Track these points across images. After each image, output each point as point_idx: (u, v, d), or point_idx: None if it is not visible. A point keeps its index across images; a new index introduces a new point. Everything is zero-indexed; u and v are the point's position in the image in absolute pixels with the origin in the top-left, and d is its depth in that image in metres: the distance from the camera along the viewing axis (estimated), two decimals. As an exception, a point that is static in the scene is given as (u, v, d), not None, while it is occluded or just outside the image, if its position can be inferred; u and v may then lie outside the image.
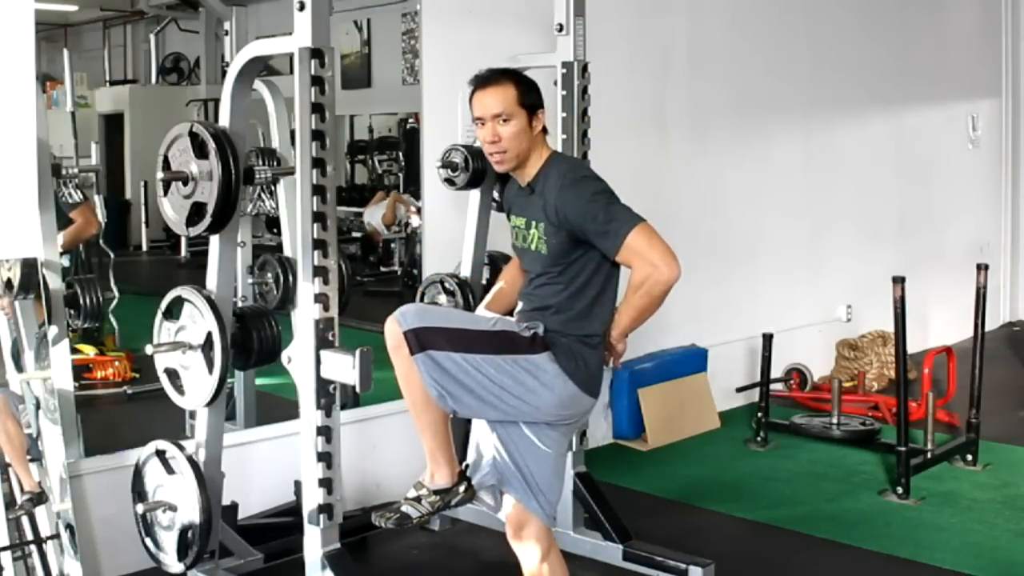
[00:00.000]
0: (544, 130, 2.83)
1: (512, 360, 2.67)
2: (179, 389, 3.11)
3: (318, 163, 2.80)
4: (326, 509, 2.88)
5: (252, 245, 4.27)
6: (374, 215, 5.96)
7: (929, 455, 4.79)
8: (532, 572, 2.82)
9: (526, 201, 2.83)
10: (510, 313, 2.94)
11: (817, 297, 6.54)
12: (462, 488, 2.81)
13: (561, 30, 3.72)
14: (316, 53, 2.78)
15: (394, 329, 2.65)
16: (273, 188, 4.01)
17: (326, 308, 2.84)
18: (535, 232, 2.77)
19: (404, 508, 2.79)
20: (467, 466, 2.87)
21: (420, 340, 2.62)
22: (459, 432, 4.09)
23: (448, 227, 4.22)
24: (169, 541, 3.11)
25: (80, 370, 4.13)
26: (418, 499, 2.79)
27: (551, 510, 2.79)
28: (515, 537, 2.82)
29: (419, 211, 4.69)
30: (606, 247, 2.64)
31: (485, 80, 2.81)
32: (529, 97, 2.78)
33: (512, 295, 3.01)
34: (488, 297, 3.17)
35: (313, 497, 2.89)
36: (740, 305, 5.97)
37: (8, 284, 3.30)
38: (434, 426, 2.74)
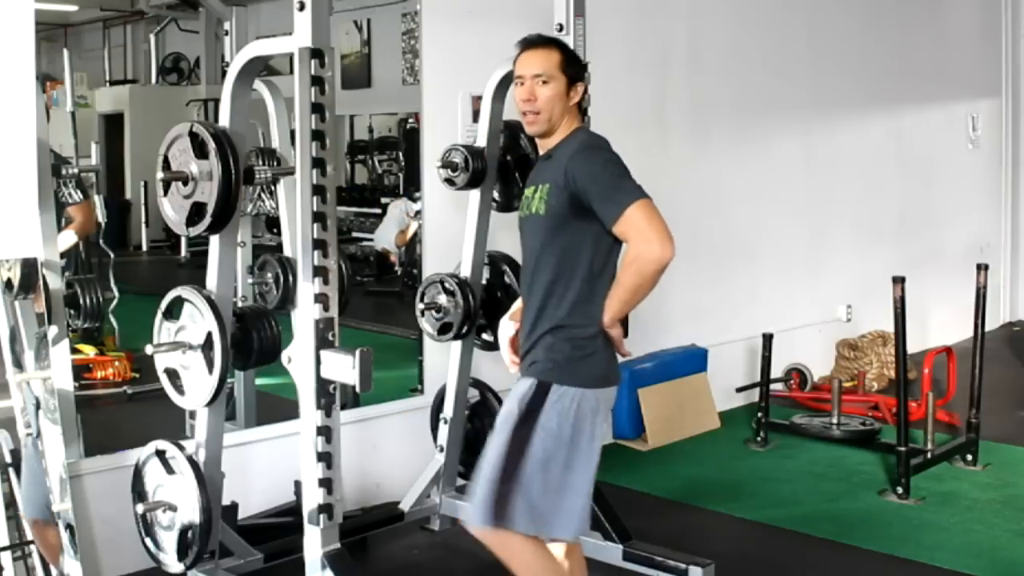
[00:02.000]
0: (581, 109, 2.83)
1: (541, 429, 2.64)
2: (179, 389, 3.11)
3: (318, 163, 2.80)
4: (326, 509, 2.88)
5: (252, 245, 4.27)
6: (386, 234, 5.97)
7: (929, 455, 4.79)
8: None
9: (541, 168, 2.80)
10: None
11: (817, 297, 6.54)
12: None
13: (561, 30, 3.72)
14: (316, 53, 2.78)
15: (478, 533, 2.69)
16: (273, 188, 4.01)
17: (326, 308, 2.84)
18: (539, 194, 2.72)
19: None
20: None
21: (498, 513, 2.63)
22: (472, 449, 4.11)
23: (448, 227, 4.22)
24: (169, 541, 3.11)
25: (80, 370, 4.13)
26: None
27: (585, 521, 2.79)
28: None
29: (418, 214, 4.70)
30: (606, 214, 2.59)
31: (533, 43, 2.82)
32: (572, 67, 2.78)
33: None
34: (512, 308, 3.10)
35: (313, 497, 2.89)
36: (740, 305, 5.97)
37: (8, 284, 3.30)
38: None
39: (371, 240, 6.04)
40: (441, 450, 4.01)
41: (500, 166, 3.91)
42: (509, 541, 2.67)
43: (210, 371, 2.99)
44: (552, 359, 2.68)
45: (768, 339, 5.29)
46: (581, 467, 2.68)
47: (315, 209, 2.81)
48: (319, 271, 2.83)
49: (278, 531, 3.68)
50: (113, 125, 5.06)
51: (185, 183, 2.96)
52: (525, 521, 2.64)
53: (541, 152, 2.84)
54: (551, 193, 2.68)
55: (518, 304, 3.06)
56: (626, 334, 3.62)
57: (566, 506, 2.68)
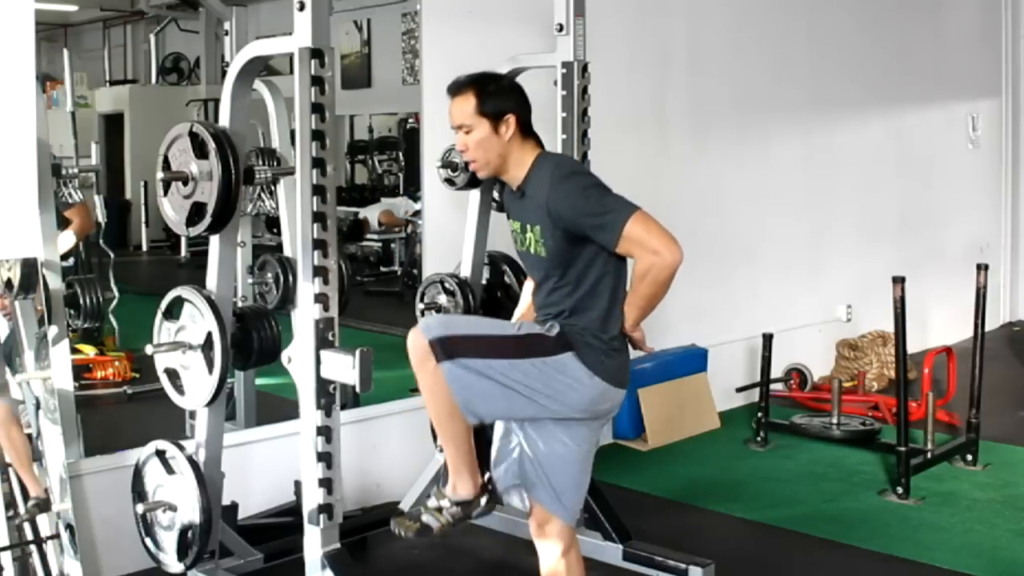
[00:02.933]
0: (525, 133, 2.79)
1: (541, 362, 2.65)
2: (179, 389, 3.11)
3: (318, 163, 2.80)
4: (326, 509, 2.88)
5: (252, 245, 4.28)
6: (373, 211, 6.01)
7: (929, 455, 4.79)
8: (550, 568, 2.83)
9: (520, 205, 2.82)
10: None
11: (817, 297, 6.54)
12: (483, 500, 2.80)
13: (561, 30, 3.71)
14: (316, 53, 2.77)
15: (418, 340, 2.62)
16: (273, 188, 4.01)
17: (326, 308, 2.84)
18: (531, 236, 2.75)
19: (425, 518, 2.78)
20: (489, 478, 2.85)
21: (446, 348, 2.60)
22: (478, 441, 4.11)
23: (448, 227, 4.22)
24: (169, 541, 3.11)
25: (80, 370, 4.14)
26: (439, 509, 2.78)
27: (575, 511, 2.81)
28: (538, 534, 2.83)
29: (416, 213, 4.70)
30: (605, 240, 2.61)
31: (452, 91, 2.83)
32: (490, 104, 2.75)
33: None
34: (517, 313, 3.14)
35: (313, 497, 2.89)
36: (740, 305, 5.97)
37: (8, 284, 3.30)
38: (458, 438, 2.72)
39: (371, 240, 6.05)
40: (441, 450, 4.00)
41: (500, 166, 3.90)
42: (436, 382, 2.63)
43: (210, 371, 2.99)
44: (581, 340, 2.70)
45: (768, 339, 5.29)
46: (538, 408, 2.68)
47: (315, 209, 2.81)
48: (319, 271, 2.83)
49: (278, 531, 3.68)
50: (113, 125, 5.06)
51: (185, 183, 2.96)
52: (460, 376, 2.60)
53: (511, 185, 2.84)
54: (544, 235, 2.70)
55: (522, 308, 3.06)
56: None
57: (499, 405, 2.67)
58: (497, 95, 2.78)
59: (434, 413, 2.70)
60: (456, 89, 2.81)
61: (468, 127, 2.76)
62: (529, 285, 3.06)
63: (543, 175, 2.72)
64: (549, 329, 2.72)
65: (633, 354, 2.85)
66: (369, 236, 6.07)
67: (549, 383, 2.66)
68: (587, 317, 2.71)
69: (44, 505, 3.29)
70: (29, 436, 3.34)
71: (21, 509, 3.33)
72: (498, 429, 2.86)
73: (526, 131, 2.79)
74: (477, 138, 2.75)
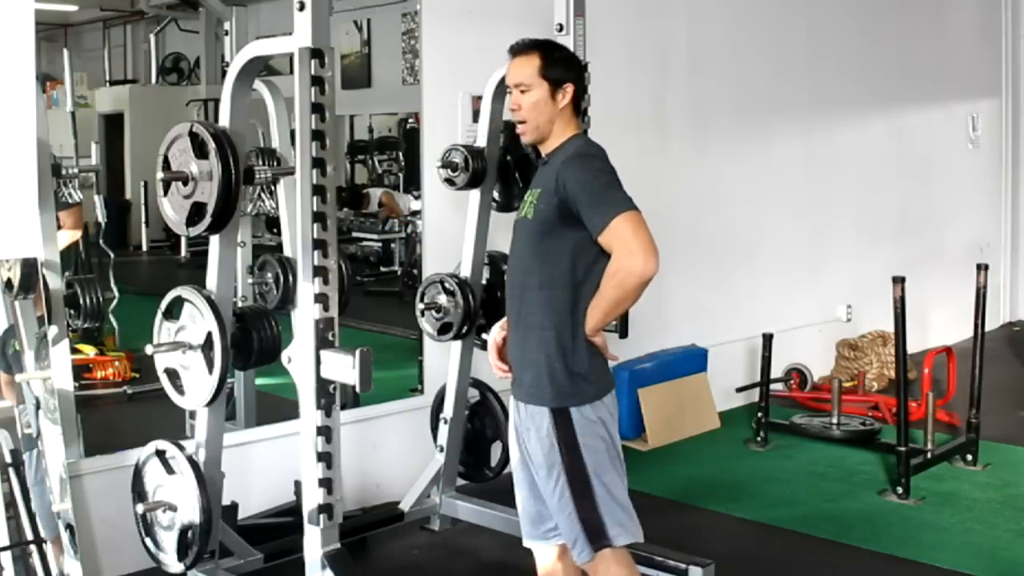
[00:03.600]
0: (576, 109, 2.77)
1: (593, 456, 2.66)
2: (179, 389, 3.11)
3: (318, 163, 2.80)
4: (326, 509, 2.88)
5: (252, 245, 4.27)
6: (374, 190, 6.02)
7: (929, 455, 4.79)
8: (546, 569, 2.83)
9: (540, 172, 2.78)
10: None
11: (817, 297, 6.54)
12: None
13: (561, 30, 3.72)
14: (316, 53, 2.78)
15: (589, 566, 2.68)
16: (273, 188, 4.01)
17: (326, 308, 2.84)
18: (531, 199, 2.72)
19: None
20: None
21: (593, 540, 2.64)
22: (479, 446, 4.10)
23: (448, 227, 4.22)
24: (169, 541, 3.11)
25: (80, 370, 4.13)
26: None
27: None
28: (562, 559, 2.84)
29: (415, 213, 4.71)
30: (592, 222, 2.57)
31: (515, 50, 2.78)
32: (554, 70, 2.73)
33: None
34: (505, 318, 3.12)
35: (313, 497, 2.89)
36: (740, 305, 5.97)
37: (8, 284, 3.30)
38: None
39: (372, 240, 6.05)
40: (441, 450, 4.01)
41: (500, 166, 3.91)
42: (615, 565, 2.68)
43: (210, 371, 2.99)
44: (555, 387, 2.66)
45: (768, 339, 5.29)
46: (622, 468, 2.73)
47: (315, 209, 2.81)
48: (319, 271, 2.83)
49: (278, 531, 3.68)
50: (113, 125, 5.06)
51: (185, 183, 2.96)
52: (621, 530, 2.66)
53: (542, 155, 2.82)
54: (541, 198, 2.67)
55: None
56: (625, 334, 3.64)
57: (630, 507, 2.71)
58: (561, 63, 2.76)
59: None
60: (521, 49, 2.77)
61: (527, 87, 2.71)
62: None
63: (570, 149, 2.71)
64: (533, 414, 2.68)
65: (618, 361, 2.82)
66: (368, 236, 6.07)
67: (597, 441, 2.66)
68: (552, 315, 2.64)
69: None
70: (29, 435, 3.34)
71: (21, 509, 3.33)
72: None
73: (576, 107, 2.78)
74: (533, 100, 2.71)
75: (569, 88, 2.73)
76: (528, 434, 2.71)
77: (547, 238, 2.66)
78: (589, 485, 2.64)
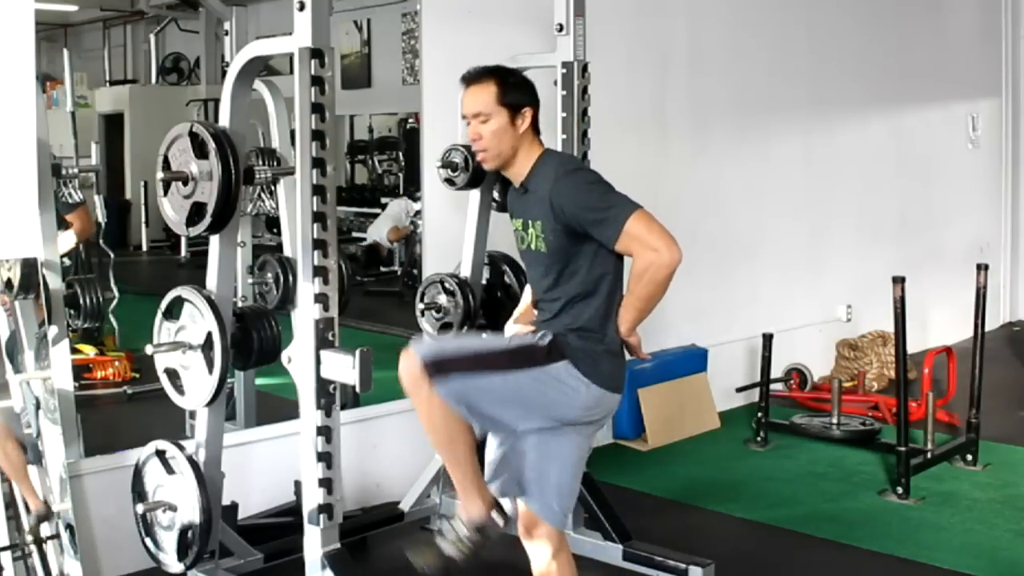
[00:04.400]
0: (535, 129, 2.79)
1: (536, 373, 2.65)
2: (179, 389, 3.11)
3: (318, 163, 2.80)
4: (326, 509, 2.88)
5: (252, 245, 4.27)
6: (380, 229, 5.98)
7: (929, 455, 4.79)
8: (541, 570, 2.82)
9: (522, 202, 2.81)
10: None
11: (817, 297, 6.54)
12: (497, 517, 2.76)
13: (561, 30, 3.72)
14: (316, 53, 2.77)
15: (410, 364, 2.60)
16: (273, 188, 4.01)
17: (326, 308, 2.84)
18: (532, 231, 2.74)
19: (449, 551, 2.76)
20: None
21: (440, 368, 2.59)
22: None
23: (448, 227, 4.22)
24: (169, 541, 3.11)
25: (80, 370, 4.14)
26: (459, 539, 2.75)
27: (565, 516, 2.80)
28: (526, 536, 2.83)
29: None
30: (605, 236, 2.60)
31: (469, 79, 2.81)
32: (511, 96, 2.75)
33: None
34: (516, 312, 3.12)
35: (313, 497, 2.89)
36: (740, 305, 5.97)
37: (8, 284, 3.30)
38: (461, 460, 2.70)
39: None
40: (441, 450, 4.00)
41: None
42: (432, 404, 2.63)
43: (210, 371, 2.99)
44: (576, 345, 2.68)
45: (768, 339, 5.29)
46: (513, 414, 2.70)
47: (315, 209, 2.81)
48: (319, 271, 2.83)
49: (278, 531, 3.68)
50: (113, 125, 5.06)
51: (185, 183, 2.96)
52: (455, 391, 2.60)
53: (513, 183, 2.83)
54: (545, 230, 2.69)
55: (522, 307, 3.05)
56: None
57: (496, 414, 2.67)
58: (517, 88, 2.78)
59: (433, 438, 2.68)
60: (474, 78, 2.79)
61: (486, 116, 2.73)
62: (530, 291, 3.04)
63: (547, 171, 2.72)
64: (542, 338, 2.70)
65: (630, 356, 2.84)
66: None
67: (544, 392, 2.65)
68: (584, 316, 2.69)
69: (45, 515, 3.29)
70: (29, 435, 3.34)
71: (21, 510, 3.33)
72: (491, 439, 2.85)
73: (535, 128, 2.80)
74: (493, 128, 2.73)
75: (528, 112, 2.76)
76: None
77: (569, 262, 2.69)
78: (483, 370, 2.62)
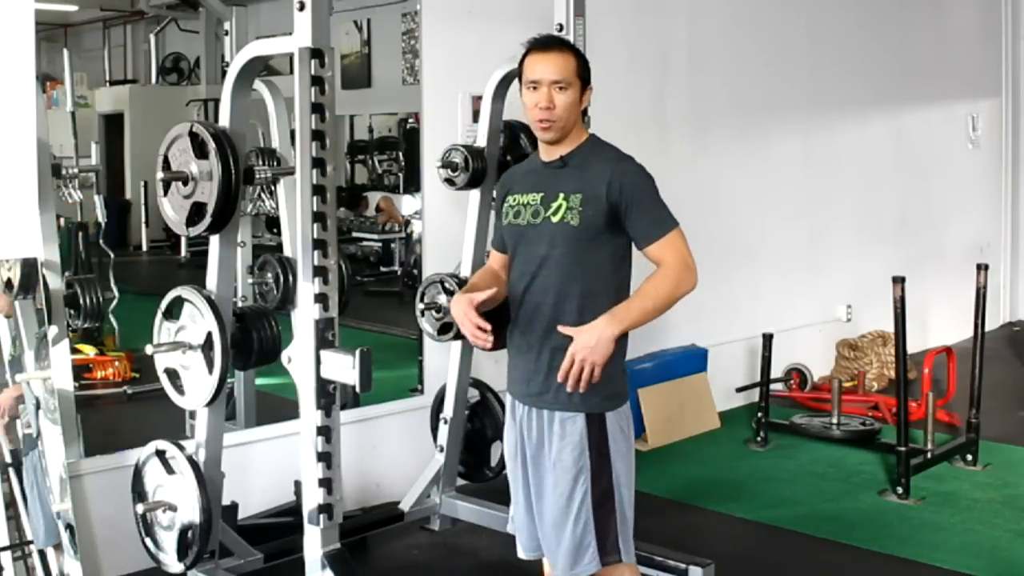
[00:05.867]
0: (585, 111, 2.76)
1: (621, 464, 2.63)
2: (179, 389, 3.11)
3: (318, 163, 2.80)
4: (326, 509, 2.88)
5: (252, 245, 4.27)
6: (373, 194, 6.03)
7: (929, 455, 4.79)
8: None
9: (550, 175, 2.67)
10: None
11: (817, 297, 6.54)
12: None
13: (561, 30, 3.72)
14: (316, 53, 2.78)
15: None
16: (273, 188, 4.01)
17: (326, 308, 2.85)
18: (562, 203, 2.60)
19: None
20: None
21: (604, 558, 2.61)
22: (478, 447, 4.09)
23: (448, 227, 4.22)
24: (169, 541, 3.11)
25: (80, 370, 4.13)
26: None
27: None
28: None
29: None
30: (648, 232, 2.57)
31: (546, 44, 2.67)
32: (585, 71, 2.69)
33: (493, 281, 2.76)
34: (474, 278, 2.87)
35: (313, 497, 2.89)
36: (740, 305, 5.97)
37: (8, 284, 3.30)
38: None
39: (372, 240, 6.05)
40: (441, 450, 4.01)
41: (500, 166, 3.91)
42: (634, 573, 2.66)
43: (210, 371, 2.99)
44: (605, 391, 2.59)
45: (768, 339, 5.29)
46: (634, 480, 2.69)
47: (315, 209, 2.81)
48: (319, 271, 2.83)
49: (278, 531, 3.68)
50: (113, 125, 5.05)
51: (185, 183, 2.96)
52: (627, 552, 2.63)
53: (545, 158, 2.70)
54: (586, 203, 2.58)
55: (481, 273, 2.87)
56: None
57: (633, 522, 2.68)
58: (586, 66, 2.71)
59: None
60: (552, 44, 2.66)
61: (565, 84, 2.61)
62: (495, 260, 2.85)
63: (604, 151, 2.67)
64: (566, 422, 2.61)
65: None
66: (368, 236, 6.06)
67: (628, 454, 2.65)
68: (595, 311, 2.55)
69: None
70: (29, 435, 3.34)
71: (21, 510, 3.33)
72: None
73: (585, 111, 2.77)
74: (569, 99, 2.62)
75: (589, 92, 2.72)
76: (552, 442, 2.61)
77: (592, 244, 2.59)
78: (612, 495, 2.60)
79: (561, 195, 2.62)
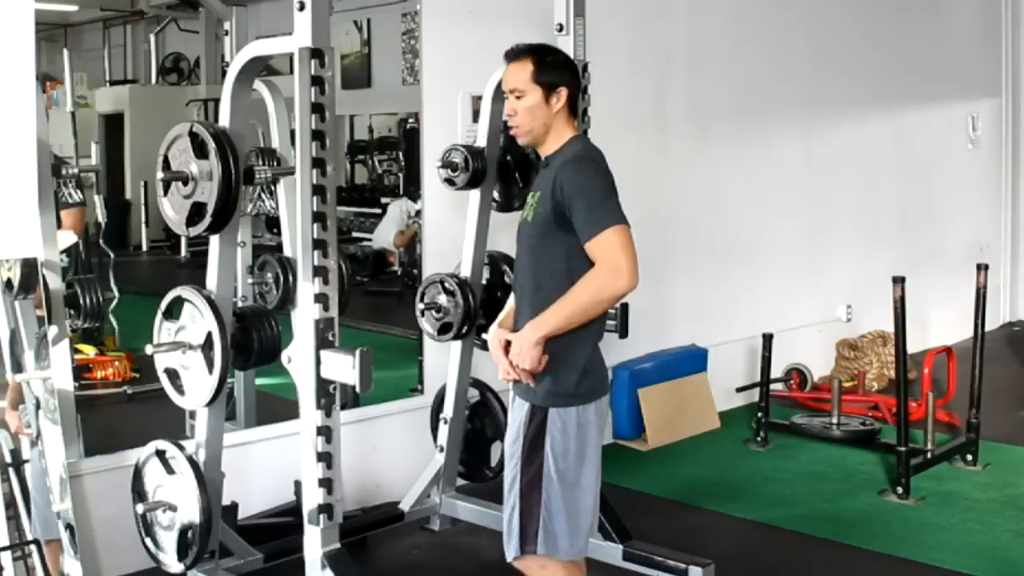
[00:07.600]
0: (572, 111, 2.78)
1: (553, 463, 2.66)
2: (179, 389, 3.11)
3: (318, 163, 2.80)
4: (326, 509, 2.88)
5: (252, 245, 4.27)
6: (385, 234, 5.96)
7: (929, 455, 4.79)
8: None
9: (539, 176, 2.82)
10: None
11: (817, 297, 6.54)
12: None
13: (561, 30, 3.72)
14: (316, 53, 2.78)
15: (515, 563, 2.70)
16: (273, 188, 4.01)
17: (326, 308, 2.84)
18: (531, 201, 2.75)
19: None
20: None
21: (523, 546, 2.66)
22: (478, 446, 4.09)
23: (448, 227, 4.22)
24: (169, 541, 3.11)
25: (80, 370, 4.13)
26: None
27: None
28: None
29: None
30: (584, 228, 2.58)
31: (510, 55, 2.81)
32: (547, 75, 2.75)
33: None
34: (501, 315, 3.05)
35: (313, 497, 2.89)
36: (740, 305, 5.97)
37: (8, 284, 3.30)
38: None
39: (371, 240, 6.05)
40: (441, 450, 4.01)
41: (500, 166, 3.91)
42: (546, 566, 2.70)
43: (210, 371, 2.99)
44: (549, 388, 2.67)
45: (768, 339, 5.29)
46: (588, 483, 2.71)
47: (315, 209, 2.81)
48: (319, 271, 2.83)
49: (278, 531, 3.68)
50: (113, 125, 5.06)
51: (185, 183, 2.96)
52: (544, 544, 2.66)
53: (542, 157, 2.84)
54: (540, 201, 2.70)
55: (507, 310, 3.00)
56: (625, 334, 3.63)
57: (576, 524, 2.70)
58: (554, 67, 2.78)
59: None
60: (514, 55, 2.80)
61: (521, 92, 2.74)
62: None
63: (569, 151, 2.73)
64: (519, 404, 2.71)
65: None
66: (368, 237, 6.06)
67: (567, 455, 2.67)
68: (548, 306, 2.64)
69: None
70: (29, 435, 3.34)
71: (21, 510, 3.33)
72: None
73: (572, 109, 2.80)
74: (528, 104, 2.74)
75: (563, 92, 2.75)
76: (511, 420, 2.76)
77: (544, 240, 2.68)
78: (539, 487, 2.65)
79: (537, 195, 2.75)
